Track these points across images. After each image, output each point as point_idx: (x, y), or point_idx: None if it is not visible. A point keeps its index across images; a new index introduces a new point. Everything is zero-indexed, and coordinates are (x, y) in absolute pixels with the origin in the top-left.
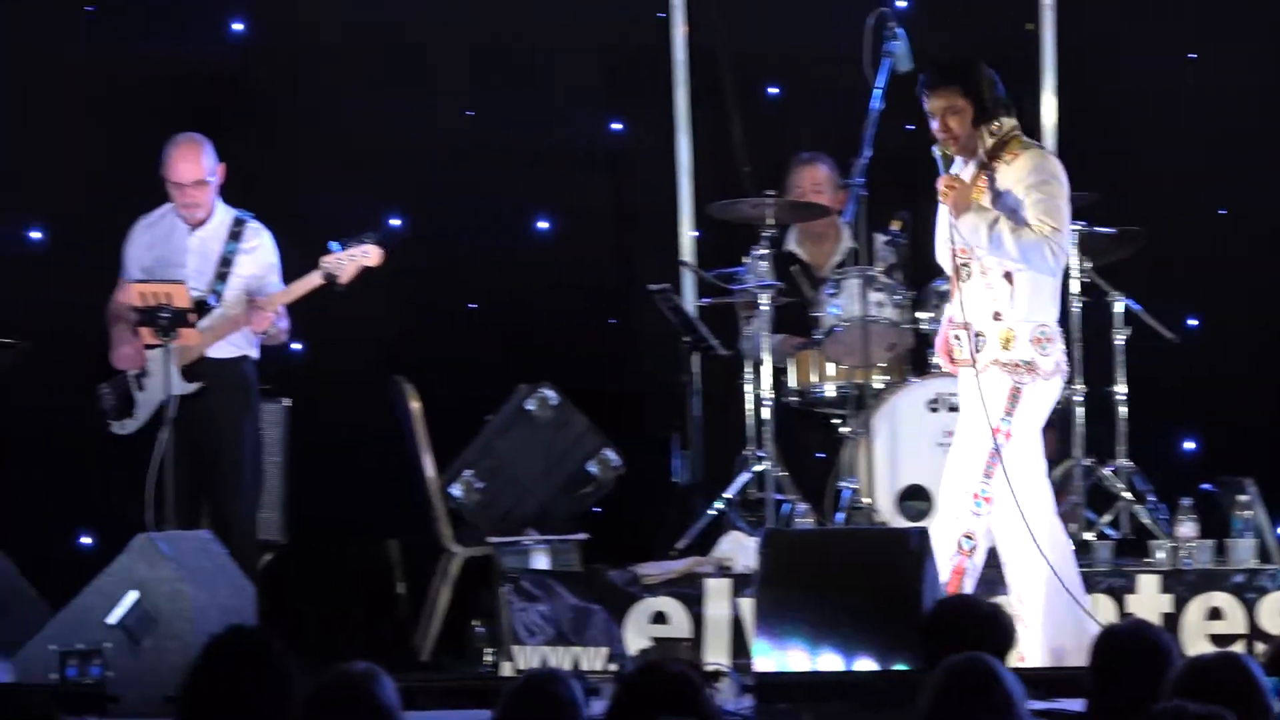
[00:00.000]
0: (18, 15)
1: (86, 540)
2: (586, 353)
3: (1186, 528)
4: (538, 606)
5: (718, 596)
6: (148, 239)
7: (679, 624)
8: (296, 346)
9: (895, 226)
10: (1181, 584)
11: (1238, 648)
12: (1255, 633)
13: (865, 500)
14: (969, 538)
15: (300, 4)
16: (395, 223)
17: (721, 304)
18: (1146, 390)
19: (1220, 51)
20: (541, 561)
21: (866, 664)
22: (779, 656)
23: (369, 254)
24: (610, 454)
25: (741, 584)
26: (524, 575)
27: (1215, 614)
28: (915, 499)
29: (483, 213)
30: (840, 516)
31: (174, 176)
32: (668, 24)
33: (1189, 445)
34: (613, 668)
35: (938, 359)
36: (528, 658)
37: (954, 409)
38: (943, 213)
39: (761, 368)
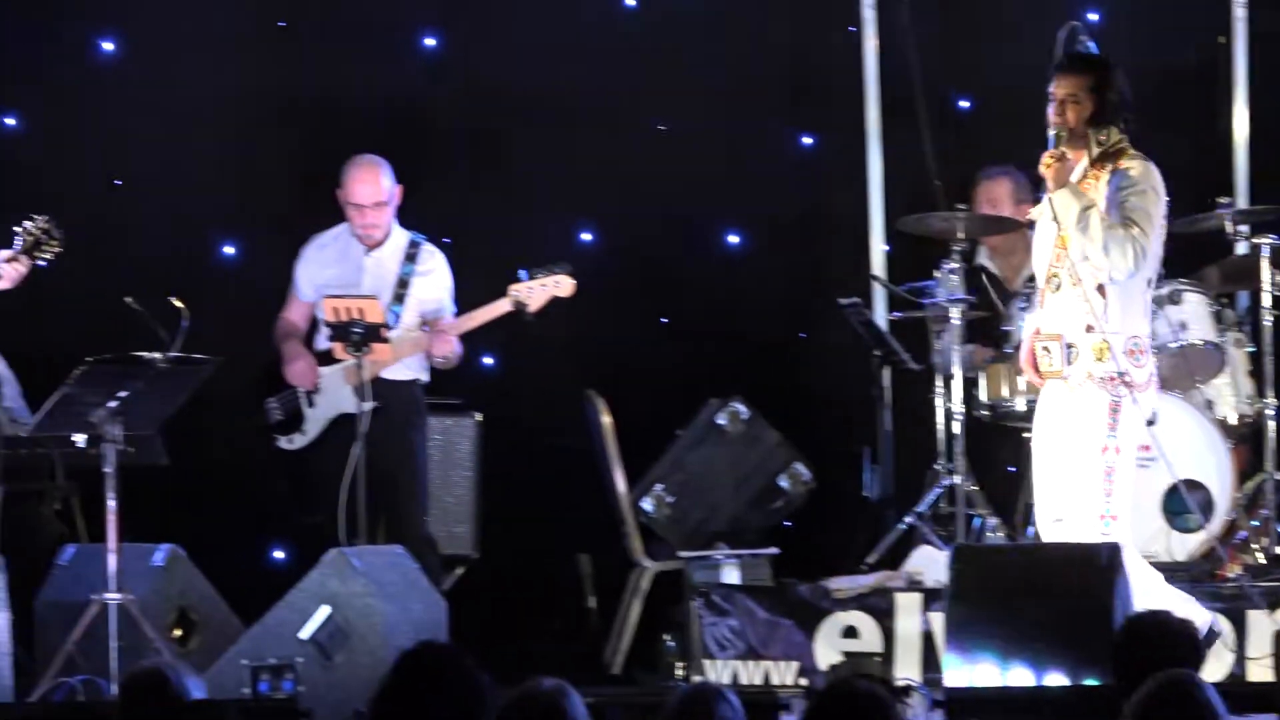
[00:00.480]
0: (208, 33)
1: (279, 555)
2: (777, 366)
3: None
4: (728, 621)
5: (908, 611)
6: (323, 258)
7: (869, 638)
8: (488, 360)
9: None
10: None
11: None
12: None
13: None
14: None
15: (489, 21)
16: (586, 237)
17: (912, 318)
18: None
19: None
20: (732, 576)
21: (1057, 679)
22: (969, 671)
23: (560, 284)
24: (801, 468)
25: (932, 598)
26: (714, 589)
27: None
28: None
29: (674, 226)
30: (1031, 531)
31: (354, 198)
32: (859, 38)
33: None
34: (803, 683)
35: (1023, 370)
36: (718, 672)
37: (1146, 423)
38: (1043, 224)
39: (952, 382)
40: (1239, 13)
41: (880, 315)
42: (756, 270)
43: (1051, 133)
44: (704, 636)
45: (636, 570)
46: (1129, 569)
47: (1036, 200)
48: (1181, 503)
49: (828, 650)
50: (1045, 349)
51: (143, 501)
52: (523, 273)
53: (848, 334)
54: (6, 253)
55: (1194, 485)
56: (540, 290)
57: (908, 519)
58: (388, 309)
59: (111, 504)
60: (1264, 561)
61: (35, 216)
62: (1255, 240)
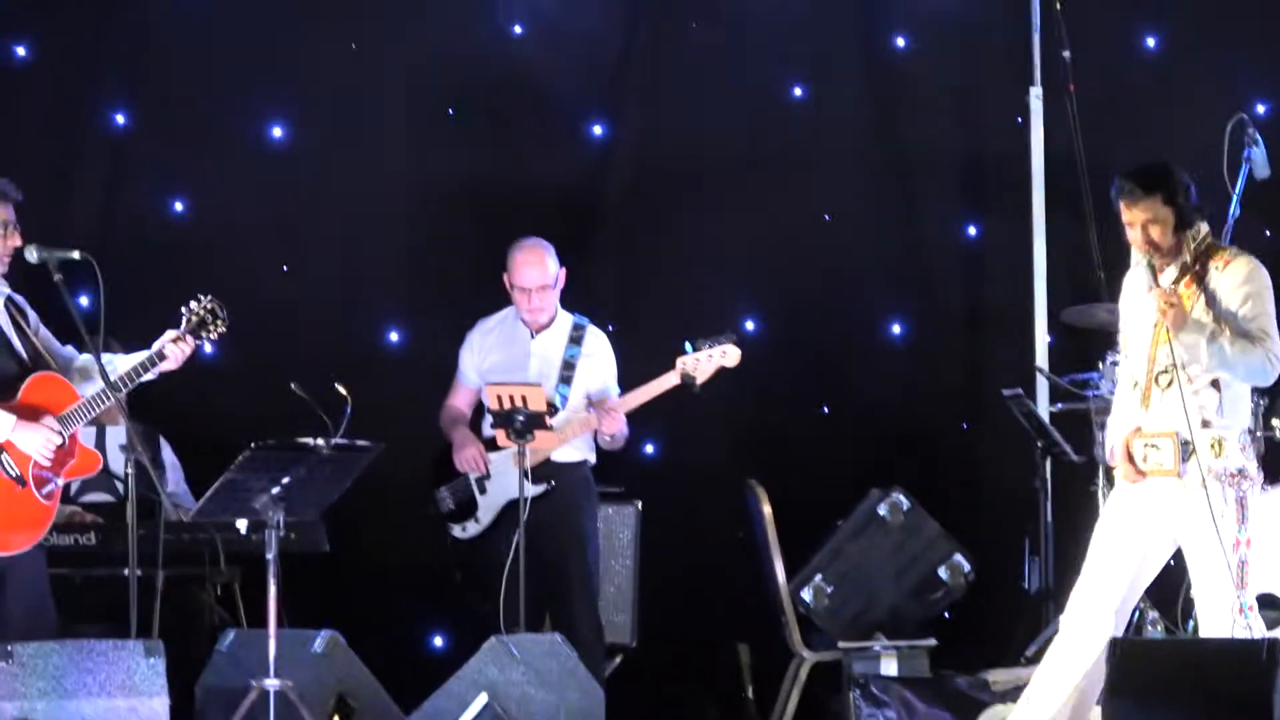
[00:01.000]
0: (376, 119)
1: (438, 642)
2: (938, 457)
3: None
4: (886, 712)
5: None
6: (487, 344)
7: None
8: (649, 448)
9: None
10: None
11: None
12: None
13: None
14: None
15: (658, 109)
16: (749, 325)
17: (1075, 410)
18: None
19: None
20: (890, 667)
21: None
22: None
23: (727, 354)
24: (961, 559)
25: None
26: (873, 680)
27: None
28: (1268, 607)
29: (837, 314)
30: (1190, 625)
31: (520, 281)
32: (1026, 129)
33: None
34: None
35: (1119, 468)
36: None
37: None
38: (1136, 320)
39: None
40: None
41: (1043, 406)
42: (919, 360)
43: (1143, 259)
44: None
45: (795, 660)
46: None
47: None
48: None
49: None
50: (1154, 446)
51: (303, 587)
52: (688, 344)
53: (1010, 425)
54: (173, 332)
55: None
56: (707, 361)
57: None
58: (554, 391)
59: (273, 590)
60: None
61: (201, 297)
62: None
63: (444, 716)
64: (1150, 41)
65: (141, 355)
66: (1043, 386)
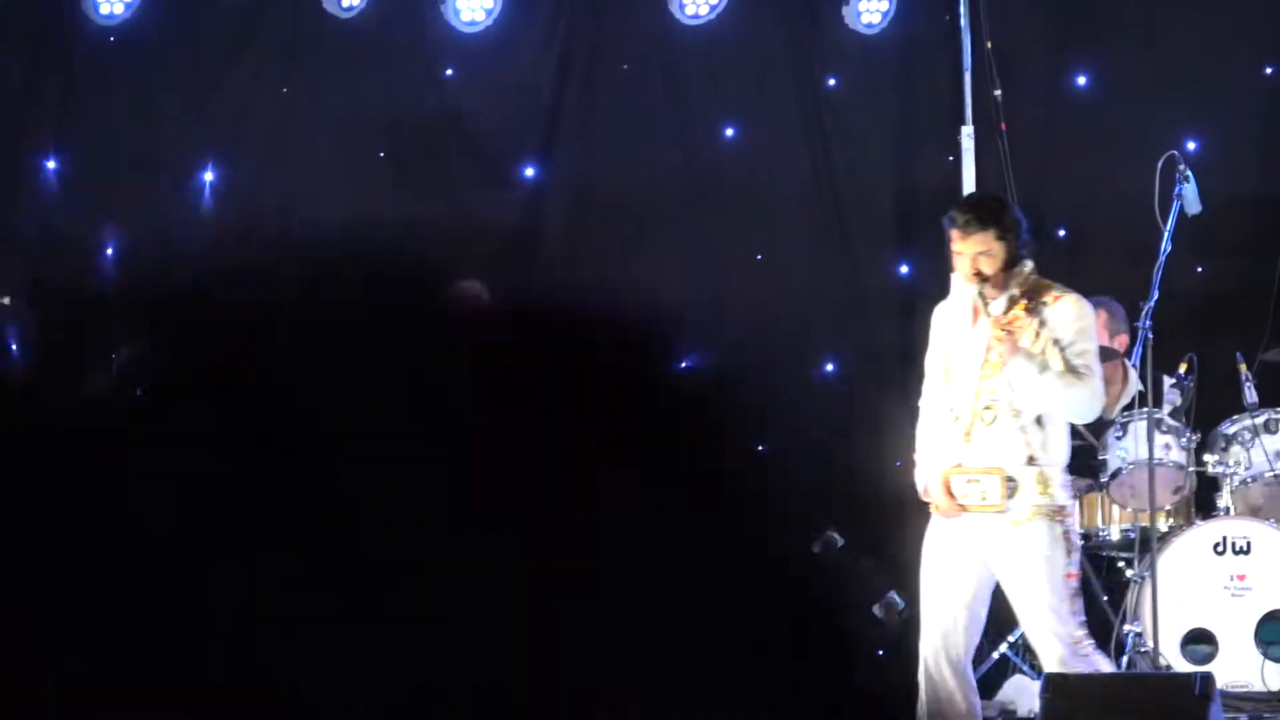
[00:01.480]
0: (310, 162)
1: None
2: (874, 494)
3: None
4: None
5: None
6: None
7: None
8: None
9: (1183, 369)
10: None
11: None
12: None
13: (1149, 644)
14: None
15: (589, 149)
16: (684, 364)
17: None
18: None
19: None
20: None
21: None
22: None
23: None
24: (896, 597)
25: None
26: None
27: None
28: (1200, 642)
29: (772, 352)
30: (1124, 660)
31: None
32: (957, 167)
33: None
34: None
35: (937, 503)
36: None
37: (1241, 551)
38: (964, 353)
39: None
40: None
41: None
42: (855, 397)
43: (974, 289)
44: None
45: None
46: None
47: (1124, 332)
48: (1276, 632)
49: None
50: (977, 481)
51: None
52: None
53: None
54: None
55: None
56: None
57: (1001, 648)
58: None
59: None
60: None
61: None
62: None
63: None
64: (1081, 80)
65: None
66: None
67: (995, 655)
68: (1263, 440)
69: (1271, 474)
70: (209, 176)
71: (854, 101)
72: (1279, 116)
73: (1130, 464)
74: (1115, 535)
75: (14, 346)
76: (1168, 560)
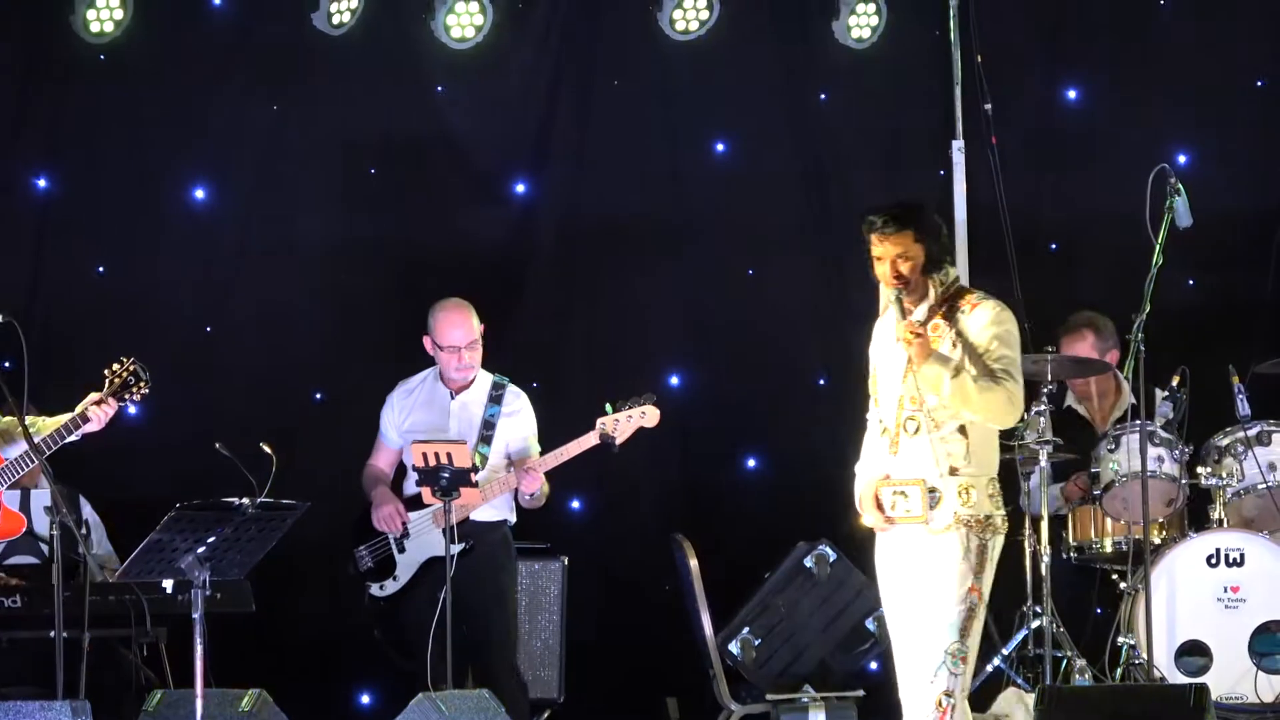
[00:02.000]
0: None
1: (365, 700)
2: None
3: None
4: None
5: None
6: (408, 404)
7: None
8: (574, 504)
9: (1175, 382)
10: None
11: None
12: None
13: (1143, 656)
14: (949, 695)
15: (580, 168)
16: (674, 380)
17: (1000, 460)
18: None
19: None
20: (819, 718)
21: None
22: None
23: (646, 415)
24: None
25: None
26: None
27: None
28: (1194, 654)
29: (761, 368)
30: (1118, 672)
31: (448, 340)
32: (948, 181)
33: None
34: None
35: (866, 515)
36: None
37: (1234, 564)
38: (887, 363)
39: (1041, 524)
40: None
41: None
42: (843, 413)
43: (891, 293)
44: None
45: (724, 714)
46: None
47: (1124, 343)
48: (1270, 644)
49: None
50: (901, 494)
51: (229, 646)
52: (608, 405)
53: None
54: (95, 395)
55: None
56: (626, 422)
57: (995, 660)
58: (474, 451)
59: (199, 650)
60: None
61: (124, 359)
62: None
63: None
64: (1071, 94)
65: (64, 418)
66: None
67: (989, 668)
68: (1255, 452)
69: (1264, 486)
70: (199, 194)
71: (844, 116)
72: (1270, 129)
73: (1123, 476)
74: (1108, 547)
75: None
76: (1161, 572)
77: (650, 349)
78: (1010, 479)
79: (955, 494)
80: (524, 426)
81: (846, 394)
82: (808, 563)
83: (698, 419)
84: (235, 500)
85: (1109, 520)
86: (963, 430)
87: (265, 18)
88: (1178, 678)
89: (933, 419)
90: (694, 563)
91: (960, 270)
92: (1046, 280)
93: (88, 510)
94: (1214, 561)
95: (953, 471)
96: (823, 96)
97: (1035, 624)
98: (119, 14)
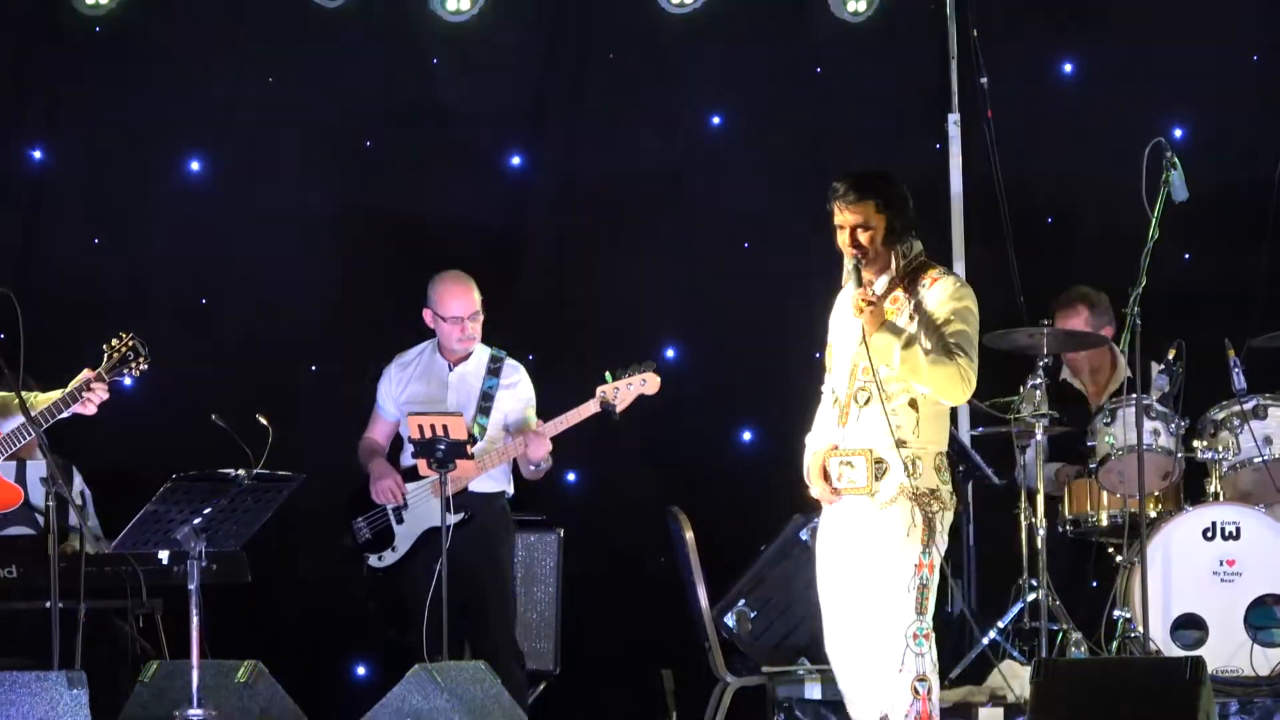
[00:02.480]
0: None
1: (362, 671)
2: None
3: None
4: None
5: None
6: (405, 376)
7: None
8: (570, 477)
9: (1171, 356)
10: None
11: None
12: None
13: (1139, 629)
14: (922, 680)
15: (576, 140)
16: (670, 353)
17: (996, 434)
18: None
19: None
20: (814, 691)
21: None
22: None
23: (647, 382)
24: None
25: (1014, 713)
26: (797, 704)
27: None
28: (1190, 628)
29: (757, 341)
30: (1114, 646)
31: (450, 311)
32: (944, 155)
33: None
34: None
35: (814, 487)
36: None
37: (1230, 537)
38: (844, 333)
39: (1036, 497)
40: None
41: (964, 431)
42: None
43: (849, 263)
44: None
45: (719, 686)
46: None
47: (1120, 317)
48: (1266, 617)
49: None
50: (848, 464)
51: (226, 618)
52: (608, 374)
53: None
54: (89, 371)
55: (1278, 599)
56: (627, 390)
57: (991, 634)
58: (473, 422)
59: (195, 621)
60: None
61: (123, 334)
62: None
63: None
64: (1067, 67)
65: (59, 393)
66: (963, 411)
67: (985, 641)
68: (1251, 426)
69: (1260, 459)
70: (194, 166)
71: (840, 89)
72: (1265, 103)
73: (1119, 450)
74: (1104, 521)
75: None
76: (1157, 546)
77: (646, 322)
78: (1006, 452)
79: (901, 466)
80: (522, 398)
81: None
82: (803, 535)
83: (694, 391)
84: (231, 472)
85: (1105, 494)
86: (913, 404)
87: None
88: (1173, 651)
89: (884, 390)
90: (689, 535)
91: (956, 244)
92: (1042, 254)
93: (79, 482)
94: (1210, 535)
95: (900, 444)
96: (818, 69)
97: (1031, 597)
98: None
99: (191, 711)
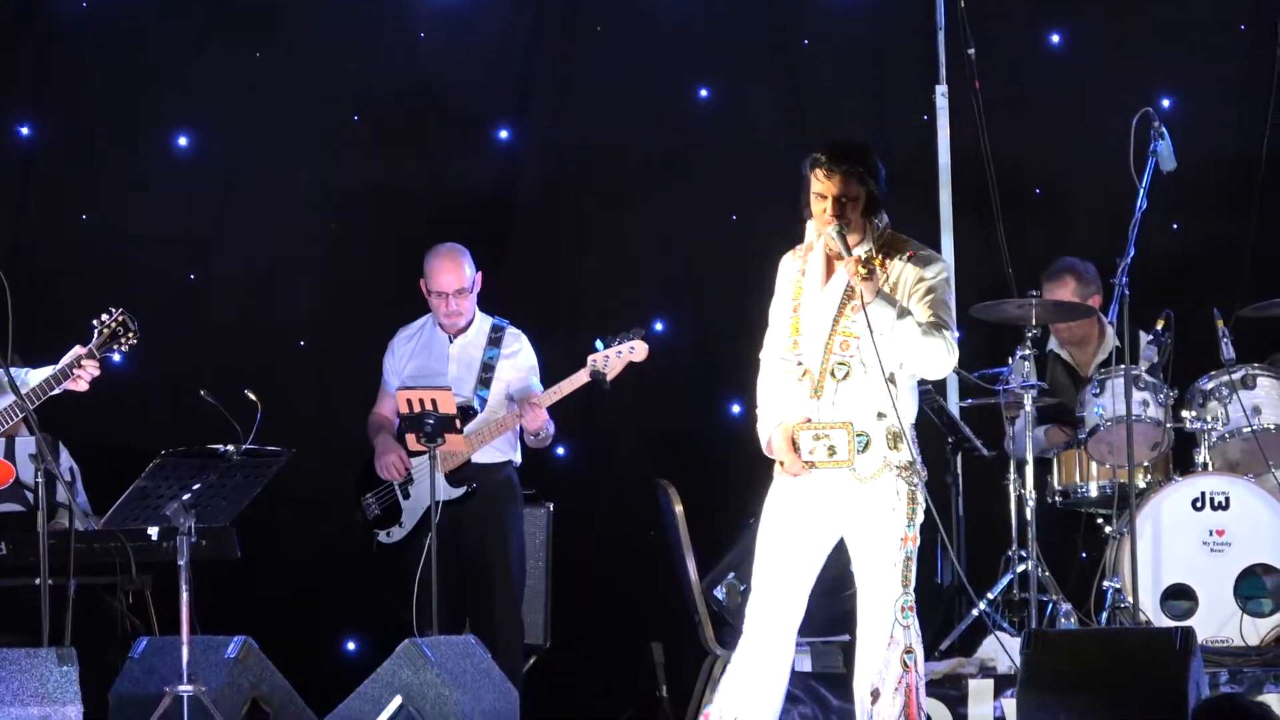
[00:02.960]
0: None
1: (351, 646)
2: None
3: None
4: (800, 708)
5: (980, 697)
6: (409, 349)
7: None
8: (560, 451)
9: (1160, 326)
10: None
11: None
12: None
13: (1129, 600)
14: (909, 652)
15: (563, 114)
16: (659, 326)
17: (985, 405)
18: None
19: None
20: (804, 663)
21: None
22: None
23: (635, 350)
24: (735, 579)
25: (1004, 685)
26: None
27: None
28: (1179, 598)
29: (746, 312)
30: (1104, 616)
31: (437, 286)
32: (932, 127)
33: None
34: None
35: (783, 459)
36: None
37: (1220, 507)
38: (818, 305)
39: (1025, 468)
40: None
41: (953, 402)
42: None
43: (832, 230)
44: None
45: (709, 658)
46: None
47: (1108, 287)
48: (1255, 587)
49: None
50: (825, 437)
51: (216, 593)
52: (598, 342)
53: (920, 420)
54: (80, 348)
55: (1267, 569)
56: (616, 358)
57: (980, 605)
58: (473, 394)
59: (185, 596)
60: None
61: (112, 310)
62: None
63: (359, 719)
64: (1055, 38)
65: (49, 371)
66: (953, 382)
67: (974, 612)
68: (1240, 396)
69: (1249, 429)
70: (183, 141)
71: (828, 61)
72: (1254, 73)
73: (1108, 420)
74: (1094, 491)
75: None
76: (1146, 516)
77: (634, 294)
78: (995, 424)
79: (884, 440)
80: (524, 368)
81: None
82: None
83: (682, 364)
84: (220, 447)
85: (1094, 464)
86: (892, 378)
87: None
88: (1163, 621)
89: (864, 364)
90: (679, 508)
91: (943, 215)
92: (1030, 224)
93: (66, 458)
94: (1199, 505)
95: (880, 416)
96: (805, 41)
97: (1020, 568)
98: None
99: (182, 687)
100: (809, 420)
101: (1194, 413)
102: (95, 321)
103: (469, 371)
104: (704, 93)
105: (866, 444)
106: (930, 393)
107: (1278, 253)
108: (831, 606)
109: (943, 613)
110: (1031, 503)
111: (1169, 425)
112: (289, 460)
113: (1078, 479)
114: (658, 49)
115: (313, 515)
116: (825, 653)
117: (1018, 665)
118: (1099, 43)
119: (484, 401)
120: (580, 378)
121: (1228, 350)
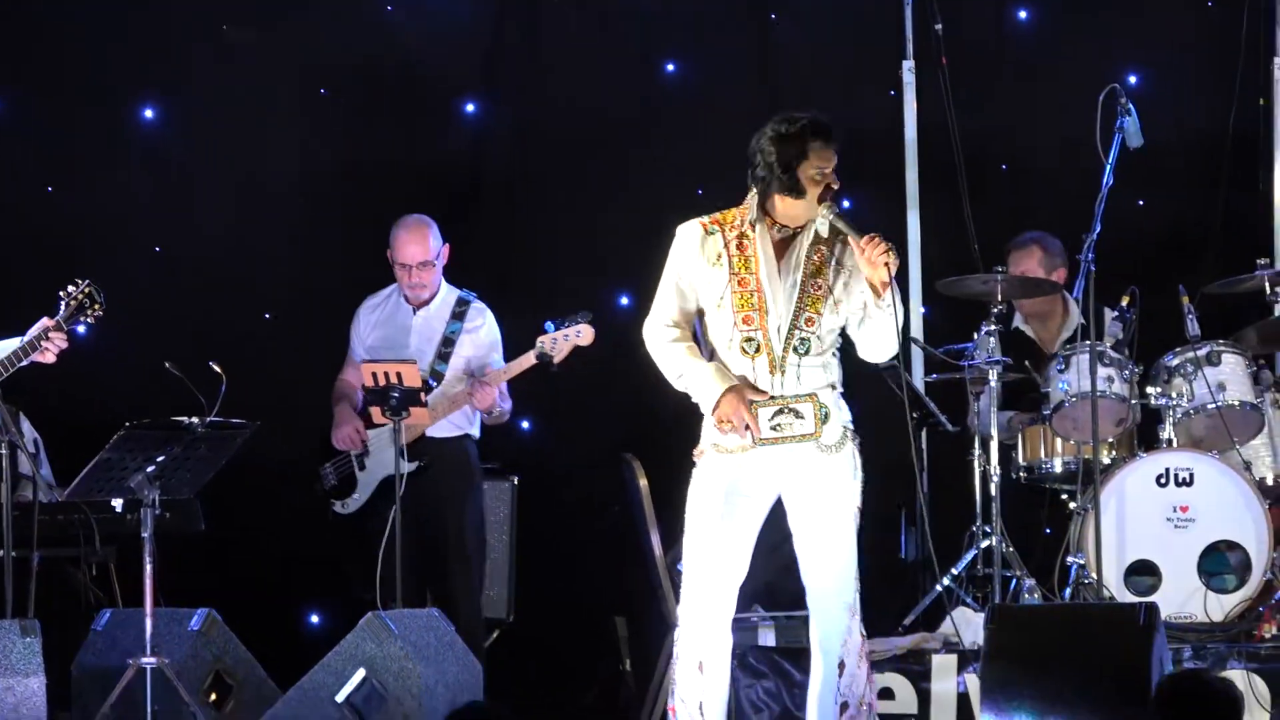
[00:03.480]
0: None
1: (315, 619)
2: None
3: None
4: (764, 683)
5: (944, 672)
6: (373, 319)
7: (905, 700)
8: (525, 425)
9: (1125, 302)
10: None
11: None
12: None
13: (1093, 576)
14: (859, 620)
15: (529, 89)
16: (624, 301)
17: (950, 380)
18: None
19: None
20: (768, 638)
21: None
22: None
23: (581, 334)
24: None
25: (968, 660)
26: (750, 651)
27: None
28: (1143, 574)
29: None
30: (1068, 592)
31: (401, 258)
32: (899, 102)
33: None
34: None
35: (742, 433)
36: None
37: (1184, 483)
38: (781, 281)
39: (990, 444)
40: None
41: (918, 377)
42: None
43: (833, 211)
44: (740, 698)
45: (672, 633)
46: None
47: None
48: (1219, 563)
49: None
50: (792, 411)
51: (180, 566)
52: (548, 324)
53: (885, 396)
54: (47, 320)
55: (1231, 545)
56: (563, 341)
57: (944, 581)
58: (429, 367)
59: (148, 569)
60: None
61: (79, 281)
62: None
63: (321, 691)
64: (1021, 14)
65: (14, 343)
66: (918, 357)
67: (939, 588)
68: (1205, 372)
69: (1214, 406)
70: (149, 113)
71: (796, 36)
72: (1221, 50)
73: (1073, 396)
74: (1058, 467)
75: None
76: (1110, 492)
77: (600, 268)
78: (960, 399)
79: (837, 408)
80: (484, 343)
81: None
82: None
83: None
84: (185, 419)
85: (1059, 440)
86: (835, 350)
87: None
88: (1127, 597)
89: (820, 338)
90: (643, 483)
91: (910, 191)
92: (996, 200)
93: (29, 429)
94: (1163, 481)
95: (832, 387)
96: (773, 15)
97: (985, 544)
98: None
99: (145, 659)
100: (770, 397)
101: (1159, 389)
102: (62, 293)
103: (429, 344)
104: (671, 67)
105: (827, 415)
106: (895, 368)
107: (1243, 229)
108: (793, 582)
109: (907, 588)
110: (996, 478)
111: (1134, 401)
112: (254, 433)
113: (1042, 455)
114: (625, 22)
115: (277, 488)
116: (789, 627)
117: (981, 641)
118: (1066, 19)
119: (440, 376)
120: (527, 359)
121: (1193, 327)
